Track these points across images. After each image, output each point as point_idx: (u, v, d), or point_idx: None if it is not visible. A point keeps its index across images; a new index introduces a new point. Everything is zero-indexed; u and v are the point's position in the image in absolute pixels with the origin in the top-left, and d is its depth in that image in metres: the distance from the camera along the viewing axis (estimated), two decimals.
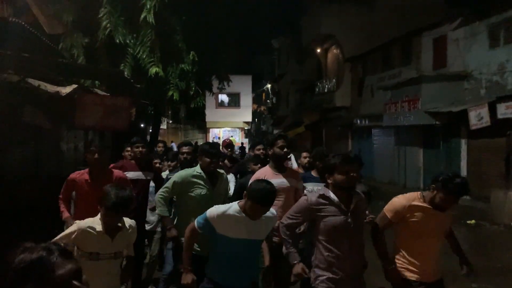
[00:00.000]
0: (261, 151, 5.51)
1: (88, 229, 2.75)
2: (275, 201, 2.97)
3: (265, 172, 3.80)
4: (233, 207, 2.78)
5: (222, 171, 4.06)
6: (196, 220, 2.85)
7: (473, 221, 9.35)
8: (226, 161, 5.96)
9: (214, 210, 2.79)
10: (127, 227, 2.92)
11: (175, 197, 3.92)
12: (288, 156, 5.08)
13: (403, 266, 2.97)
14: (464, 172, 11.62)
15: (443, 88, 11.86)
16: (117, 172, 4.02)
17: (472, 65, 11.57)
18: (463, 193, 2.82)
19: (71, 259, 1.16)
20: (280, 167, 3.87)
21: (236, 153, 8.25)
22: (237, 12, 11.59)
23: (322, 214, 2.80)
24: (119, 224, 2.84)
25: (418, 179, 13.68)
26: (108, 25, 8.91)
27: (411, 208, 2.91)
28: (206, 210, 2.86)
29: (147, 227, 5.03)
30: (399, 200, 3.00)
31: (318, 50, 21.68)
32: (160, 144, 7.47)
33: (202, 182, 3.74)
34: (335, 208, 2.79)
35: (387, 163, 15.42)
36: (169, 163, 5.62)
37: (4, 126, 5.88)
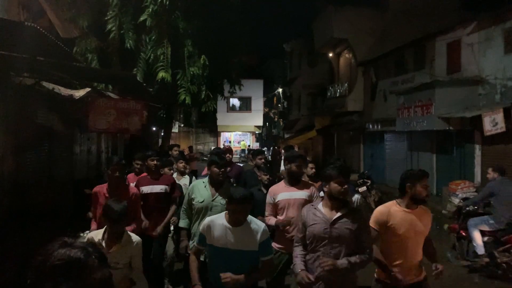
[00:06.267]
0: (262, 160, 5.97)
1: (91, 238, 3.16)
2: (289, 213, 3.67)
3: (277, 187, 4.17)
4: (221, 215, 2.97)
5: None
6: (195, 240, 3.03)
7: None
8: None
9: (205, 221, 2.99)
10: (132, 241, 3.17)
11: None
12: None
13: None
14: (478, 178, 11.41)
15: (457, 93, 11.68)
16: (133, 189, 4.34)
17: (486, 70, 11.38)
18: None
19: (105, 264, 1.15)
20: (293, 181, 4.10)
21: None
22: (249, 16, 11.64)
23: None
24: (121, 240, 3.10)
25: (431, 184, 13.47)
26: (113, 28, 9.02)
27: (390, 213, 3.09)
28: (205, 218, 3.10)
29: None
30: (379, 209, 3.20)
31: (330, 54, 21.59)
32: (176, 148, 7.87)
33: (206, 191, 3.97)
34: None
35: (400, 168, 15.18)
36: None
37: (18, 128, 5.97)
